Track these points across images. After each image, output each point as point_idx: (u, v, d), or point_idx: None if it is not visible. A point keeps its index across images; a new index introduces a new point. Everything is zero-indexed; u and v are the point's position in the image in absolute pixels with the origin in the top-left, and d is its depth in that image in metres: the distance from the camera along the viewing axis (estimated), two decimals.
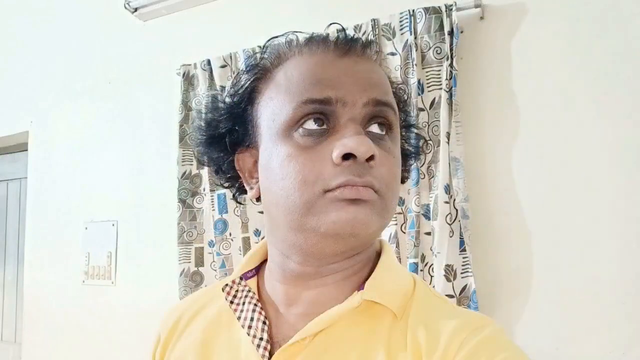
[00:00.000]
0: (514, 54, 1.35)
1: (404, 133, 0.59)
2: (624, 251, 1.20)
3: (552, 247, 1.27)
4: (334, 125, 0.48)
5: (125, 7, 1.91)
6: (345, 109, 0.48)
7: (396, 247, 1.34)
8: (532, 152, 1.31)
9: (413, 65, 1.34)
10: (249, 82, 0.54)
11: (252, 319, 0.52)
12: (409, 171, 0.62)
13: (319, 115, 0.48)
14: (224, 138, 0.55)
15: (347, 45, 0.51)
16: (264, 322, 0.52)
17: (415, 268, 1.30)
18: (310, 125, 0.48)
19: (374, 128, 0.49)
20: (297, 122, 0.48)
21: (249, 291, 0.56)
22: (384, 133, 0.50)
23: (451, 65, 1.30)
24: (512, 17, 1.36)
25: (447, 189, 1.29)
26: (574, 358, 1.22)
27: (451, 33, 1.31)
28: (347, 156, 0.46)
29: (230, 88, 0.56)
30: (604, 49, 1.25)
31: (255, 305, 0.54)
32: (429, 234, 1.33)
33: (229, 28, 1.81)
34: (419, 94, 1.34)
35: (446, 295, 1.19)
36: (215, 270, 1.63)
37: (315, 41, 0.52)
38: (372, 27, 1.41)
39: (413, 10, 1.36)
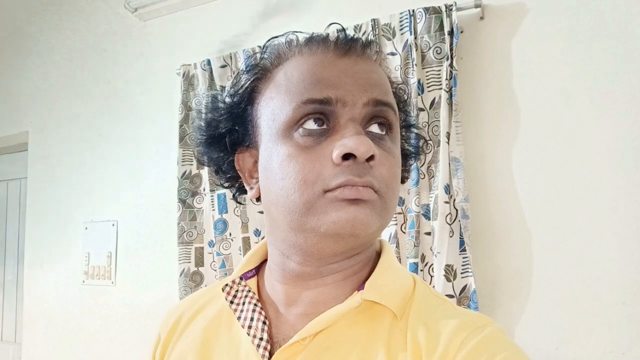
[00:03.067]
0: (514, 54, 1.35)
1: (404, 133, 0.58)
2: (624, 251, 1.20)
3: (552, 247, 1.27)
4: (334, 125, 0.48)
5: (125, 7, 1.91)
6: (345, 109, 0.48)
7: (396, 247, 1.34)
8: (532, 152, 1.31)
9: (413, 65, 1.34)
10: (249, 82, 0.54)
11: (252, 319, 0.52)
12: (409, 171, 0.62)
13: (319, 115, 0.48)
14: (224, 138, 0.55)
15: (347, 45, 0.51)
16: (264, 322, 0.52)
17: (415, 268, 1.30)
18: (310, 125, 0.48)
19: (374, 128, 0.49)
20: (297, 122, 0.48)
21: (249, 291, 0.55)
22: (383, 133, 0.50)
23: (451, 65, 1.30)
24: (512, 17, 1.36)
25: (447, 189, 1.29)
26: (574, 358, 1.22)
27: (451, 33, 1.31)
28: (347, 156, 0.46)
29: (230, 88, 0.56)
30: (604, 49, 1.25)
31: (255, 305, 0.54)
32: (429, 234, 1.33)
33: (229, 28, 1.81)
34: (419, 94, 1.34)
35: (446, 295, 1.19)
36: (215, 271, 1.63)
37: (315, 41, 0.52)
38: (372, 27, 1.41)
39: (413, 10, 1.36)
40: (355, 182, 0.45)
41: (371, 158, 0.46)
